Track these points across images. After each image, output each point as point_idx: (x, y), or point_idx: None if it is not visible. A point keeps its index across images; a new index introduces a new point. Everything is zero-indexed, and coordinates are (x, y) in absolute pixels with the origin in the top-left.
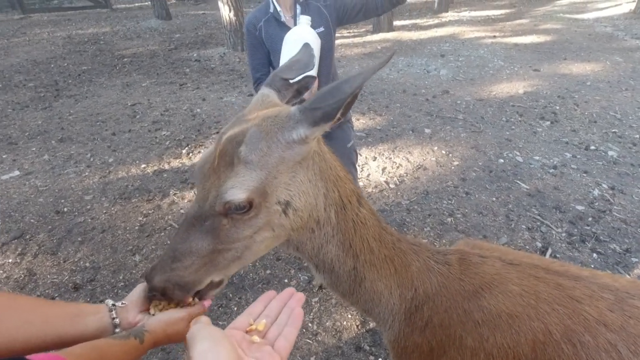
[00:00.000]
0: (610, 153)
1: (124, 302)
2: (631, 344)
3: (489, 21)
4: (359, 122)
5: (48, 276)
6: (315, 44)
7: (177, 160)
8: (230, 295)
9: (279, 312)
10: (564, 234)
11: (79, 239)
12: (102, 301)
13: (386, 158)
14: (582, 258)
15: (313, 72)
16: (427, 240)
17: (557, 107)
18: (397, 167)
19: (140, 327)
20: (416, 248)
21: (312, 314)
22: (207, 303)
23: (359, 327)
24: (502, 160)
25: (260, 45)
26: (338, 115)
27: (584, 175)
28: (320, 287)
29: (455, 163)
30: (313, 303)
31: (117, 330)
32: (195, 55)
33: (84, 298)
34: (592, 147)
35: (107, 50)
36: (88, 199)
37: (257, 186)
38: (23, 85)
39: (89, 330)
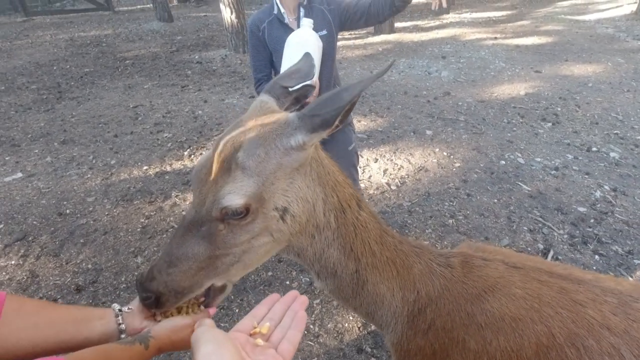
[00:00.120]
0: (612, 154)
1: (130, 307)
2: (635, 347)
3: (490, 23)
4: (360, 123)
5: (50, 278)
6: (317, 46)
7: (179, 162)
8: (232, 297)
9: (283, 315)
10: (565, 236)
11: (81, 240)
12: (104, 303)
13: (387, 160)
14: (584, 260)
15: (314, 76)
16: (428, 242)
17: (559, 109)
18: (399, 169)
19: (146, 333)
20: (418, 250)
21: (313, 315)
22: (212, 311)
23: (361, 329)
24: (503, 162)
25: (263, 46)
26: (336, 123)
27: (586, 176)
28: (322, 290)
29: (457, 165)
30: (315, 305)
31: (122, 335)
32: (196, 57)
33: (86, 300)
34: (594, 149)
35: (109, 52)
36: (90, 200)
37: (254, 192)
38: (26, 87)
39: (95, 334)
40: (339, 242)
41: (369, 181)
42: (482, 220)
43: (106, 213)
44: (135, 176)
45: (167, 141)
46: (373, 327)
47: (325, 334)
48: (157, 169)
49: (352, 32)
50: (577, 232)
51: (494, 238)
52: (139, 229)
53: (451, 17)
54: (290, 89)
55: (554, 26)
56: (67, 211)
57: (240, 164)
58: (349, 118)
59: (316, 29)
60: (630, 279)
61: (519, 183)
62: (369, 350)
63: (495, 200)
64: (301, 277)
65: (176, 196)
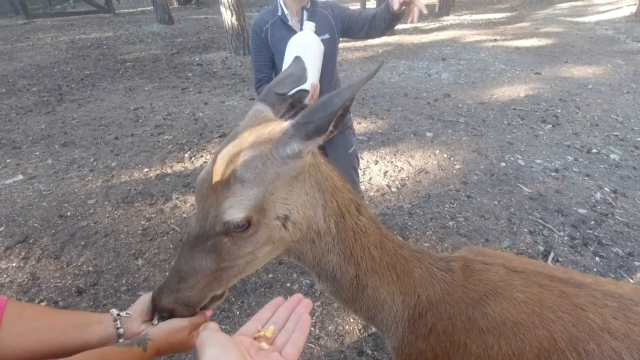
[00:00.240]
0: (612, 156)
1: (128, 312)
2: (635, 351)
3: (490, 25)
4: (360, 125)
5: (51, 280)
6: (319, 50)
7: (180, 164)
8: (233, 299)
9: (287, 319)
10: (566, 238)
11: (82, 243)
12: (104, 305)
13: (388, 162)
14: (585, 262)
15: (314, 79)
16: (428, 244)
17: (559, 111)
18: (399, 171)
19: (144, 336)
20: (418, 255)
21: (314, 318)
22: (208, 313)
23: (362, 331)
24: (503, 164)
25: (265, 47)
26: (330, 128)
27: (586, 178)
28: (323, 291)
29: (457, 166)
30: (315, 307)
31: (120, 340)
32: (197, 59)
33: (87, 302)
34: (594, 151)
35: (109, 54)
36: (91, 203)
37: (255, 204)
38: (27, 89)
39: (94, 339)
40: (339, 247)
41: (369, 183)
42: (483, 222)
43: (107, 215)
44: (135, 178)
45: (167, 143)
46: (374, 330)
47: (326, 336)
48: (158, 171)
49: None
50: (578, 233)
51: (495, 240)
52: (139, 231)
53: (451, 19)
54: (284, 95)
55: (553, 28)
56: (68, 213)
57: (239, 177)
58: (349, 121)
59: (319, 32)
60: (630, 280)
61: (519, 185)
62: (370, 352)
63: (496, 202)
64: (302, 279)
65: (177, 198)
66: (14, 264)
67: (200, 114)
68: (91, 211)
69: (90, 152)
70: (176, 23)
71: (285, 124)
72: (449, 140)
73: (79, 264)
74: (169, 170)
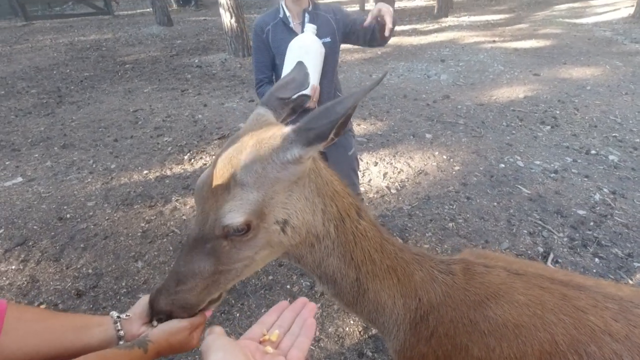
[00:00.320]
0: (611, 157)
1: (128, 314)
2: (636, 353)
3: (489, 26)
4: (360, 127)
5: (51, 283)
6: (319, 52)
7: (179, 166)
8: (233, 301)
9: (292, 322)
10: (565, 239)
11: (82, 245)
12: (104, 308)
13: (387, 163)
14: (584, 263)
15: (315, 81)
16: (428, 245)
17: (558, 112)
18: (399, 172)
19: (144, 338)
20: (419, 258)
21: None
22: (208, 313)
23: (362, 333)
24: (503, 165)
25: (266, 48)
26: (331, 136)
27: (585, 179)
28: (323, 293)
29: (457, 168)
30: (315, 309)
31: (121, 342)
32: (196, 61)
33: (87, 305)
34: (593, 152)
35: (109, 56)
36: (90, 205)
37: (254, 208)
38: (26, 91)
39: (94, 341)
40: (339, 251)
41: (369, 185)
42: (482, 223)
43: (106, 217)
44: (135, 180)
45: (167, 145)
46: (374, 331)
47: (326, 338)
48: (158, 173)
49: None
50: (577, 235)
51: (494, 241)
52: (139, 234)
53: (449, 20)
54: (286, 100)
55: (552, 29)
56: (68, 216)
57: (239, 181)
58: (349, 124)
59: (320, 35)
60: (630, 281)
61: (519, 186)
62: (370, 354)
63: (495, 204)
64: (302, 281)
65: (176, 200)
66: (13, 267)
67: (200, 115)
68: (91, 213)
69: (89, 154)
70: (175, 25)
71: (287, 129)
72: (448, 142)
73: (78, 266)
74: (168, 172)
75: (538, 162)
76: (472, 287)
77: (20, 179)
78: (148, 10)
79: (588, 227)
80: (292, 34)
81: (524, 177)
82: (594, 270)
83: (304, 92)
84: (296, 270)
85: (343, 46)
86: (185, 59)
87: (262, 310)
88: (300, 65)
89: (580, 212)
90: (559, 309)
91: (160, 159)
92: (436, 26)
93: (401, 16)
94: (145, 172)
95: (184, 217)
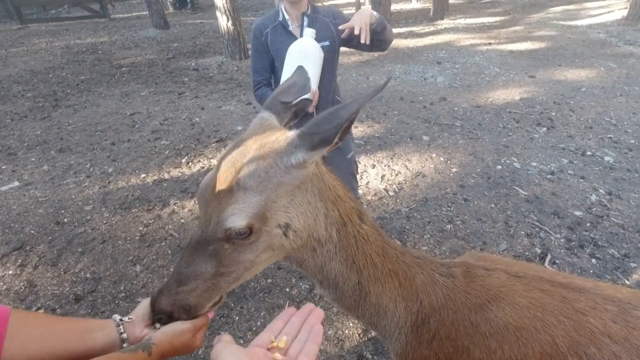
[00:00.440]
0: (606, 158)
1: (130, 316)
2: (635, 355)
3: (484, 28)
4: (357, 130)
5: (49, 288)
6: (319, 57)
7: (177, 170)
8: (232, 305)
9: (300, 329)
10: (562, 240)
11: (80, 249)
12: (103, 313)
13: (385, 165)
14: (581, 264)
15: (314, 85)
16: (426, 247)
17: (553, 113)
18: (396, 175)
19: (147, 340)
20: (420, 261)
21: None
22: (210, 314)
23: (361, 336)
24: (500, 167)
25: (265, 51)
26: (335, 140)
27: (581, 180)
28: (322, 296)
29: (454, 170)
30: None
31: (124, 345)
32: (193, 64)
33: (85, 309)
34: (589, 153)
35: (105, 59)
36: (88, 209)
37: (257, 212)
38: (22, 95)
39: (97, 345)
40: (341, 255)
41: (366, 187)
42: (480, 225)
43: (104, 221)
44: (133, 184)
45: (164, 149)
46: (373, 334)
47: (326, 341)
48: (155, 177)
49: None
50: (574, 236)
51: (492, 243)
52: (137, 237)
53: (445, 23)
54: (289, 104)
55: (547, 31)
56: (65, 220)
57: (242, 185)
58: None
59: (318, 39)
60: (627, 282)
61: (516, 188)
62: (370, 357)
63: (493, 205)
64: (301, 284)
65: (174, 204)
66: (10, 272)
67: (197, 119)
68: (88, 217)
69: (86, 157)
70: (172, 28)
71: (291, 134)
72: (445, 144)
73: (76, 270)
74: (166, 176)
75: (534, 164)
76: (473, 290)
77: (16, 183)
78: (144, 13)
79: (585, 228)
80: (291, 37)
81: (520, 179)
82: (591, 271)
83: (305, 96)
84: (295, 273)
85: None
86: (182, 62)
87: (262, 314)
88: (301, 69)
89: (577, 213)
90: (559, 311)
91: (158, 163)
92: (432, 29)
93: (397, 19)
94: (143, 175)
95: (182, 221)
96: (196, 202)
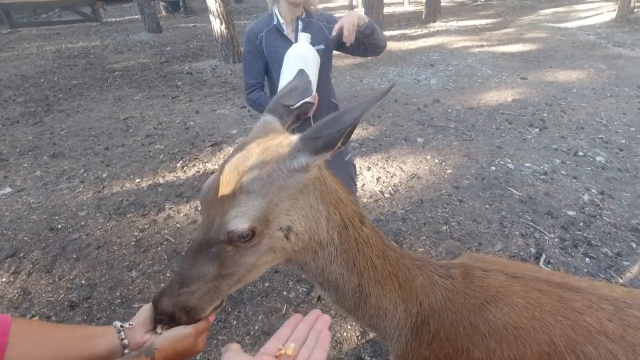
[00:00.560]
0: (598, 158)
1: (131, 323)
2: (630, 352)
3: (476, 31)
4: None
5: (43, 295)
6: (316, 61)
7: (172, 174)
8: (229, 309)
9: (307, 335)
10: (556, 240)
11: (74, 255)
12: (99, 319)
13: (380, 168)
14: (575, 263)
15: (313, 89)
16: (423, 249)
17: (545, 114)
18: (391, 177)
19: (150, 346)
20: (419, 263)
21: None
22: (211, 318)
23: (359, 338)
24: (493, 168)
25: (259, 54)
26: (338, 145)
27: (574, 180)
28: (319, 299)
29: (449, 171)
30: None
31: (126, 351)
32: (186, 68)
33: (81, 316)
34: (581, 153)
35: (97, 64)
36: (82, 215)
37: (259, 215)
38: (13, 100)
39: (99, 352)
40: (342, 258)
41: (362, 189)
42: (475, 226)
43: (99, 227)
44: (127, 189)
45: (159, 153)
46: (372, 336)
47: None
48: (150, 181)
49: None
50: (568, 235)
51: (487, 243)
52: (132, 243)
53: (438, 25)
54: (291, 107)
55: (537, 34)
56: (59, 226)
57: (245, 188)
58: None
59: (314, 43)
60: (620, 280)
61: (510, 188)
62: (368, 359)
63: (487, 206)
64: (298, 287)
65: (170, 208)
66: (3, 279)
67: (192, 122)
68: (82, 223)
69: (80, 163)
70: (164, 32)
71: (294, 138)
72: (439, 146)
73: (71, 277)
74: (161, 180)
75: (528, 164)
76: (472, 291)
77: (9, 190)
78: (136, 17)
79: (578, 228)
80: (286, 41)
81: (514, 180)
82: (585, 270)
83: (307, 99)
84: (292, 277)
85: (334, 52)
86: (176, 66)
87: (259, 317)
88: (302, 73)
89: (570, 212)
90: (557, 311)
91: (153, 167)
92: (425, 31)
93: (390, 22)
94: (137, 180)
95: (177, 226)
96: (193, 206)
